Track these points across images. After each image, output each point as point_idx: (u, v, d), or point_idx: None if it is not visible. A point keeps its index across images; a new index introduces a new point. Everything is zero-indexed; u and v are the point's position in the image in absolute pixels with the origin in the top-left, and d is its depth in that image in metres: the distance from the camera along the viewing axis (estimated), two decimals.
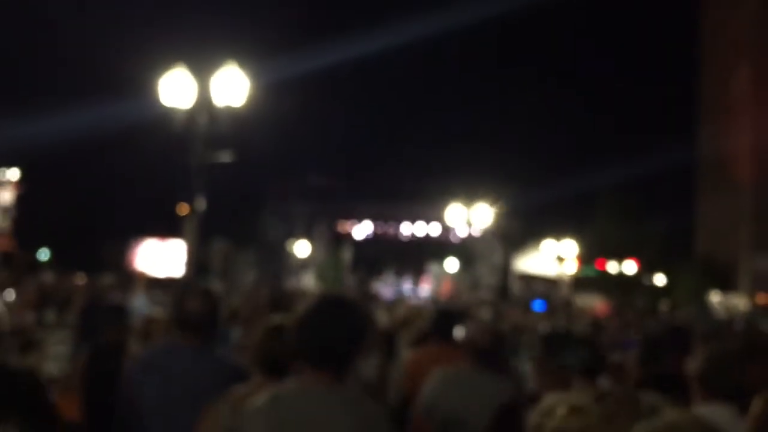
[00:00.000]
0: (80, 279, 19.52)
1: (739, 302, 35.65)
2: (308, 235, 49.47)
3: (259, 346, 3.29)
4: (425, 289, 51.80)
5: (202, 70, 11.33)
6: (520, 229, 43.08)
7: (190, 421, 3.21)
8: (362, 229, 51.71)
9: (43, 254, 45.53)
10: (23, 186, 48.01)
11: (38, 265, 33.37)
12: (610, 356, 4.12)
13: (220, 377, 3.38)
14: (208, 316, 3.63)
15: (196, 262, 14.77)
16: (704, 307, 33.46)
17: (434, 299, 34.82)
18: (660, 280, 42.48)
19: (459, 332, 4.94)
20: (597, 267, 40.28)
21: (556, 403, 2.68)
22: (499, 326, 6.12)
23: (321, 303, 2.65)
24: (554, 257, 36.54)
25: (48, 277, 18.13)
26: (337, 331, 2.56)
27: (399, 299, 29.83)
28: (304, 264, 48.43)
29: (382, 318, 8.52)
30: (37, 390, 2.94)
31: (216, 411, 3.02)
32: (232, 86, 11.21)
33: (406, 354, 6.16)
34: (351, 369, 2.58)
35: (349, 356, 2.58)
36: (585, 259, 38.54)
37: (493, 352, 4.13)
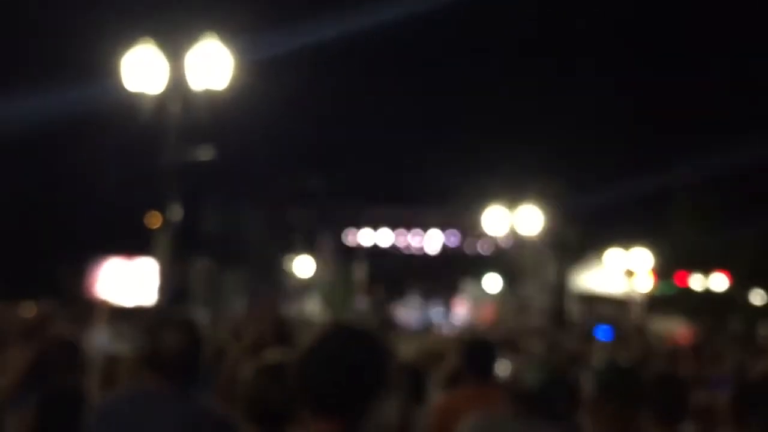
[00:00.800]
0: (27, 310, 19.63)
1: None
2: (311, 250, 49.56)
3: (250, 391, 3.29)
4: (460, 314, 51.76)
5: (175, 47, 11.43)
6: (578, 237, 42.93)
7: None
8: (378, 240, 51.74)
9: None
10: None
11: None
12: (695, 396, 4.09)
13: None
14: (188, 354, 3.63)
15: (172, 285, 14.84)
16: None
17: (471, 327, 34.79)
18: (757, 297, 42.16)
19: (502, 368, 4.93)
20: (677, 282, 40.05)
21: None
22: (554, 360, 6.11)
23: (328, 336, 2.64)
24: (622, 272, 36.38)
25: None
26: (347, 372, 2.56)
27: (427, 328, 29.80)
28: (306, 285, 48.54)
29: (406, 351, 8.52)
30: None
31: None
32: (211, 66, 11.30)
33: (436, 396, 6.16)
34: (365, 418, 2.58)
35: (363, 402, 2.57)
36: (662, 273, 38.33)
37: (544, 393, 4.10)
